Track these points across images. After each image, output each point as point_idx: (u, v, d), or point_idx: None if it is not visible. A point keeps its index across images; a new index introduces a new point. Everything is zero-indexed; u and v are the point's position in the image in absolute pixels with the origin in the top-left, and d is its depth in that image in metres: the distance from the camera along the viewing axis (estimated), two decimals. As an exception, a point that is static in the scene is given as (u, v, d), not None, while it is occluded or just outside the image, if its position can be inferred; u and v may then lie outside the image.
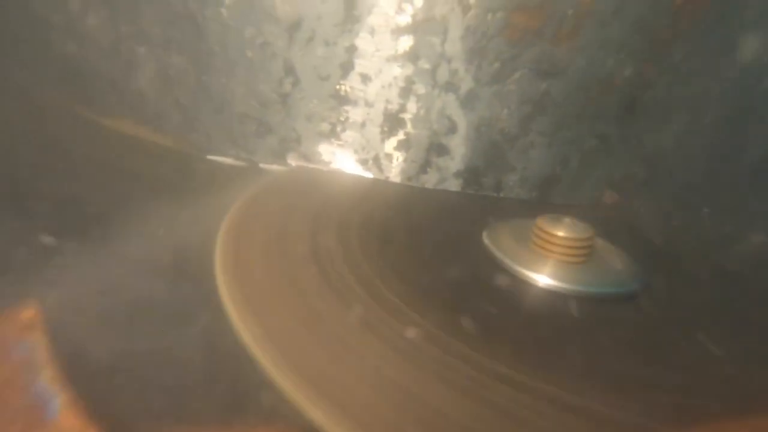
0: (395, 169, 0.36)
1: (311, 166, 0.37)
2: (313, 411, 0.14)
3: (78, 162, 0.32)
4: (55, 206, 0.28)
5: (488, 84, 0.31)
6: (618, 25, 0.27)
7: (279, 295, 0.19)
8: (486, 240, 0.27)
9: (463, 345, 0.18)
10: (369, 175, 0.36)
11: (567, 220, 0.25)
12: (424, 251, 0.26)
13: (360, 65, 0.33)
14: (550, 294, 0.23)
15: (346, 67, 0.33)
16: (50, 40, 0.33)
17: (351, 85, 0.34)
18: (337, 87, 0.34)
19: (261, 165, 0.37)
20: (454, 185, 0.36)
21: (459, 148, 0.34)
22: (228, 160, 0.36)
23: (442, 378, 0.16)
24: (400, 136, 0.35)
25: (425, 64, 0.31)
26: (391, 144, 0.35)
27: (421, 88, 0.33)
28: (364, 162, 0.36)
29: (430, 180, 0.36)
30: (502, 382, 0.16)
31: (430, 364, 0.17)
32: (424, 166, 0.36)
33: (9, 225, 0.25)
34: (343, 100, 0.35)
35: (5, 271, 0.22)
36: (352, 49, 0.32)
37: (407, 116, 0.34)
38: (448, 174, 0.36)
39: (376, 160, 0.36)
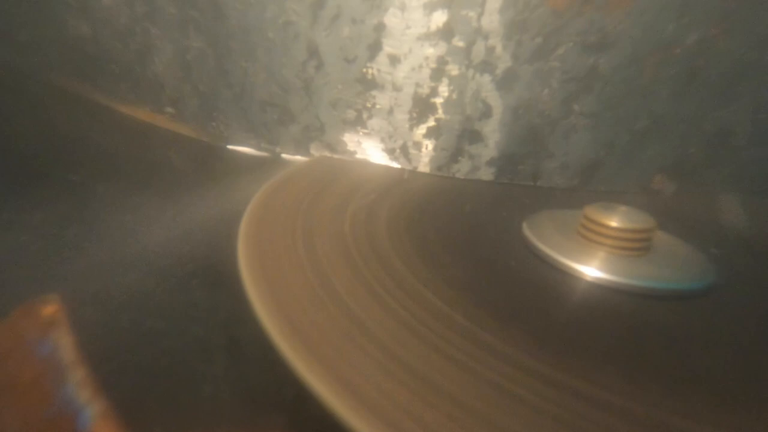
0: (425, 158, 0.34)
1: (336, 156, 0.35)
2: (344, 411, 0.13)
3: (92, 151, 0.31)
4: (70, 196, 0.27)
5: (528, 62, 0.28)
6: None
7: (305, 289, 0.18)
8: (527, 231, 0.24)
9: (507, 346, 0.16)
10: (396, 165, 0.34)
11: (622, 208, 0.22)
12: (458, 245, 0.24)
13: (389, 45, 0.31)
14: (599, 288, 0.20)
15: (374, 48, 0.31)
16: (63, 21, 0.32)
17: (378, 67, 0.32)
18: (364, 70, 0.32)
19: (283, 155, 0.35)
20: (487, 174, 0.33)
21: (494, 134, 0.32)
22: (248, 150, 0.35)
23: (485, 380, 0.15)
24: (431, 122, 0.33)
25: (459, 42, 0.29)
26: (420, 131, 0.33)
27: (454, 69, 0.30)
28: (391, 151, 0.34)
29: (461, 169, 0.34)
30: (549, 386, 0.15)
31: (463, 359, 0.15)
32: (456, 155, 0.33)
33: (22, 216, 0.24)
34: (369, 84, 0.32)
35: (22, 263, 0.21)
36: (380, 28, 0.30)
37: (438, 101, 0.32)
38: (481, 162, 0.33)
39: (404, 149, 0.34)
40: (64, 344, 0.14)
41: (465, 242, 0.25)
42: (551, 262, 0.22)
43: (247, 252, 0.19)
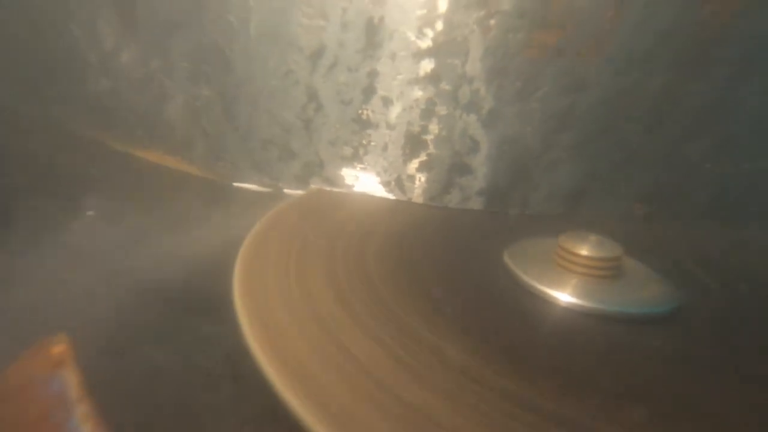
0: (418, 189, 0.36)
1: (335, 189, 0.37)
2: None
3: (107, 191, 0.33)
4: (82, 233, 0.28)
5: (510, 102, 0.31)
6: (643, 38, 0.27)
7: (299, 325, 0.19)
8: (507, 259, 0.26)
9: (485, 369, 0.17)
10: (391, 197, 0.36)
11: (592, 237, 0.24)
12: (442, 271, 0.25)
13: (382, 89, 0.34)
14: (572, 313, 0.22)
15: (368, 92, 0.34)
16: (85, 76, 0.35)
17: (373, 109, 0.34)
18: (360, 111, 0.35)
19: (285, 190, 0.37)
20: (477, 204, 0.35)
21: (482, 167, 0.34)
22: (253, 187, 0.37)
23: (462, 403, 0.15)
24: (422, 157, 0.35)
25: (446, 86, 0.32)
26: (413, 165, 0.36)
27: (442, 110, 0.33)
28: (386, 184, 0.37)
29: (452, 200, 0.36)
30: (524, 409, 0.15)
31: (447, 385, 0.16)
32: (447, 186, 0.36)
33: (35, 250, 0.26)
34: (365, 124, 0.35)
35: (33, 305, 0.22)
36: (373, 74, 0.33)
37: (429, 137, 0.34)
38: (471, 193, 0.35)
39: (399, 181, 0.36)
40: (71, 382, 0.15)
41: (450, 270, 0.26)
42: (529, 288, 0.23)
43: (242, 288, 0.20)
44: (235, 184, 0.37)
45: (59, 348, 0.16)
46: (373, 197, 0.36)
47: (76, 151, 0.33)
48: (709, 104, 0.28)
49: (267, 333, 0.18)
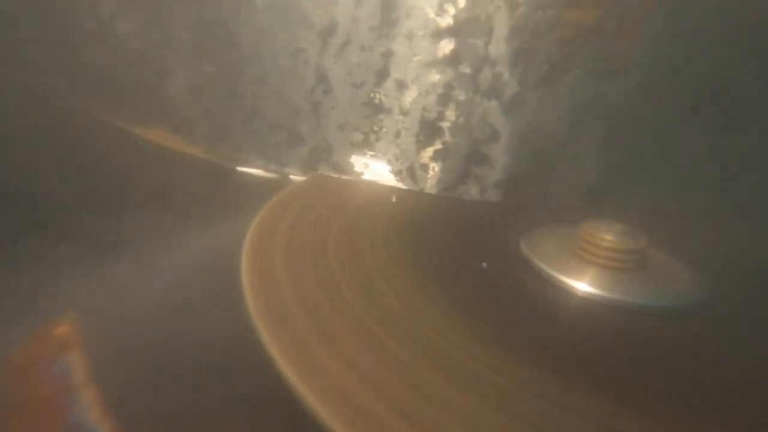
0: (431, 179, 0.34)
1: (343, 177, 0.35)
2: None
3: (106, 171, 0.32)
4: (83, 216, 0.27)
5: (535, 88, 0.29)
6: (687, 18, 0.24)
7: (307, 310, 0.18)
8: (523, 247, 0.24)
9: (492, 357, 0.16)
10: (402, 186, 0.34)
11: (617, 226, 0.22)
12: (457, 260, 0.24)
13: (396, 71, 0.31)
14: (591, 303, 0.21)
15: (382, 74, 0.32)
16: (81, 47, 0.33)
17: (386, 92, 0.32)
18: (371, 95, 0.33)
19: (291, 176, 0.35)
20: (494, 196, 0.33)
21: (501, 157, 0.32)
22: (258, 172, 0.35)
23: (476, 392, 0.15)
24: (437, 145, 0.33)
25: (466, 69, 0.30)
26: (427, 154, 0.34)
27: (461, 95, 0.31)
28: (398, 173, 0.35)
29: (468, 191, 0.34)
30: (542, 399, 0.15)
31: (462, 374, 0.16)
32: (463, 177, 0.33)
33: (35, 237, 0.25)
34: (377, 108, 0.33)
35: (36, 286, 0.21)
36: (388, 55, 0.31)
37: (445, 124, 0.32)
38: (488, 184, 0.33)
39: (411, 170, 0.34)
40: (77, 365, 0.14)
41: (464, 260, 0.25)
42: (544, 275, 0.22)
43: (250, 274, 0.20)
44: (239, 168, 0.35)
45: (63, 329, 0.15)
46: (379, 185, 0.34)
47: (73, 127, 0.31)
48: (758, 92, 0.26)
49: (280, 327, 0.17)
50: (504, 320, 0.19)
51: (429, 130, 0.33)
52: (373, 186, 0.34)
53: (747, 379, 0.17)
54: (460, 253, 0.25)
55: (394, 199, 0.32)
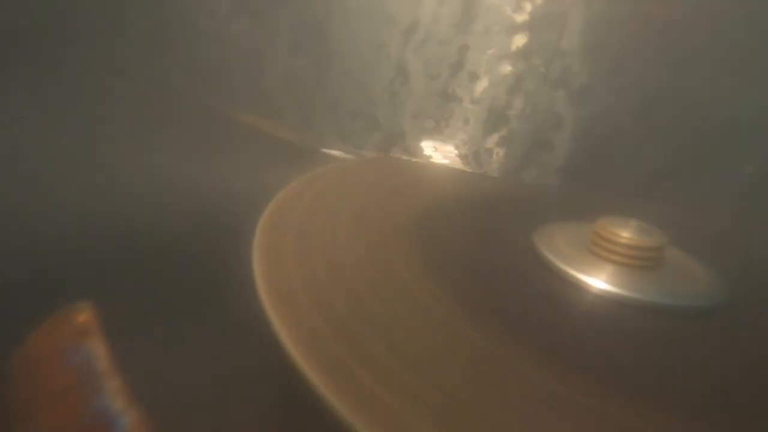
0: (495, 164, 0.38)
1: (414, 159, 0.39)
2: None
3: (210, 151, 0.37)
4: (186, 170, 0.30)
5: (604, 78, 0.31)
6: (761, 6, 0.26)
7: (307, 285, 0.18)
8: (536, 240, 0.23)
9: (504, 353, 0.16)
10: (468, 170, 0.38)
11: (634, 223, 0.22)
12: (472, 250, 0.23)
13: (470, 64, 0.35)
14: (606, 300, 0.20)
15: (456, 67, 0.35)
16: (199, 44, 0.38)
17: (459, 83, 0.36)
18: (445, 85, 0.36)
19: (360, 157, 0.40)
20: (554, 181, 0.36)
21: (564, 144, 0.35)
22: (338, 153, 0.40)
23: (484, 383, 0.14)
24: (503, 132, 0.36)
25: (537, 61, 0.33)
26: (492, 140, 0.37)
27: (530, 85, 0.34)
28: (464, 157, 0.38)
29: (529, 175, 0.37)
30: (554, 398, 0.14)
31: (462, 361, 0.15)
32: (525, 162, 0.37)
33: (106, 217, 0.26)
34: (449, 97, 0.37)
35: (57, 269, 0.21)
36: (464, 49, 0.35)
37: (512, 113, 0.36)
38: (550, 169, 0.36)
39: (476, 154, 0.38)
40: (98, 352, 0.14)
41: (481, 243, 0.24)
42: (556, 270, 0.21)
43: (263, 245, 0.19)
44: (323, 150, 0.40)
45: (84, 317, 0.15)
46: (428, 165, 0.37)
47: (187, 113, 0.37)
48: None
49: (288, 309, 0.16)
50: (516, 316, 0.19)
51: (496, 118, 0.36)
52: (426, 167, 0.37)
53: (764, 381, 0.17)
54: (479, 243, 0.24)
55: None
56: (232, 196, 0.28)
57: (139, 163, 0.30)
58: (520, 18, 0.31)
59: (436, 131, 0.38)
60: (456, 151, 0.38)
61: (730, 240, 0.27)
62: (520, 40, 0.32)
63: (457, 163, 0.38)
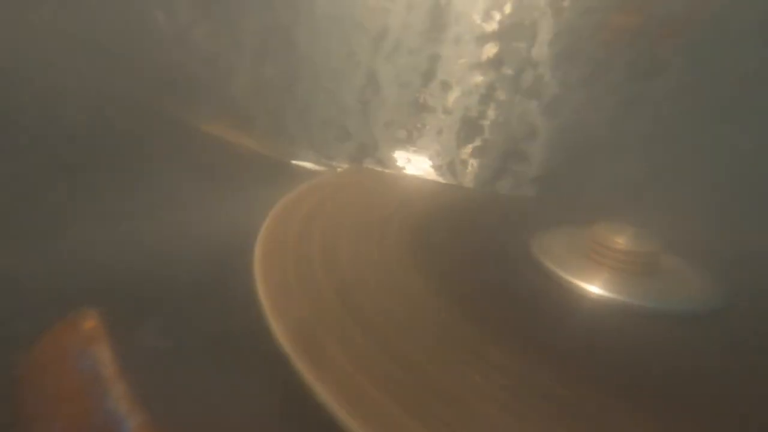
0: (469, 174, 0.37)
1: (387, 171, 0.38)
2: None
3: (170, 164, 0.35)
4: (148, 202, 0.29)
5: (576, 88, 0.31)
6: (735, 18, 0.26)
7: (305, 288, 0.18)
8: (534, 248, 0.24)
9: (502, 358, 0.16)
10: (442, 180, 0.37)
11: (631, 228, 0.22)
12: (470, 255, 0.24)
13: (442, 73, 0.34)
14: (602, 306, 0.20)
15: (428, 76, 0.34)
16: (158, 48, 0.37)
17: (431, 92, 0.35)
18: (417, 95, 0.35)
19: (339, 170, 0.38)
20: (530, 191, 0.35)
21: (538, 154, 0.34)
22: (309, 165, 0.38)
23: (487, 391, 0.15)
24: (477, 142, 0.36)
25: (508, 70, 0.32)
26: (466, 150, 0.36)
27: (502, 95, 0.33)
28: (438, 168, 0.37)
29: (504, 186, 0.36)
30: (551, 401, 0.15)
31: (454, 359, 0.16)
32: (500, 172, 0.36)
33: (87, 220, 0.25)
34: (421, 107, 0.36)
35: (65, 276, 0.21)
36: (435, 58, 0.34)
37: (485, 123, 0.35)
38: (524, 180, 0.35)
39: (451, 165, 0.37)
40: (104, 358, 0.14)
41: (475, 253, 0.24)
42: (554, 277, 0.22)
43: (263, 259, 0.19)
44: (293, 162, 0.38)
45: (90, 323, 0.15)
46: (412, 178, 0.36)
47: (145, 122, 0.35)
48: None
49: (291, 322, 0.17)
50: (513, 321, 0.19)
51: (470, 128, 0.35)
52: (410, 179, 0.37)
53: (758, 385, 0.17)
54: (473, 251, 0.24)
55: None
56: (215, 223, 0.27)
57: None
58: (490, 27, 0.30)
59: (409, 141, 0.37)
60: (430, 162, 0.37)
61: (714, 246, 0.27)
62: (490, 50, 0.31)
63: (432, 175, 0.37)
